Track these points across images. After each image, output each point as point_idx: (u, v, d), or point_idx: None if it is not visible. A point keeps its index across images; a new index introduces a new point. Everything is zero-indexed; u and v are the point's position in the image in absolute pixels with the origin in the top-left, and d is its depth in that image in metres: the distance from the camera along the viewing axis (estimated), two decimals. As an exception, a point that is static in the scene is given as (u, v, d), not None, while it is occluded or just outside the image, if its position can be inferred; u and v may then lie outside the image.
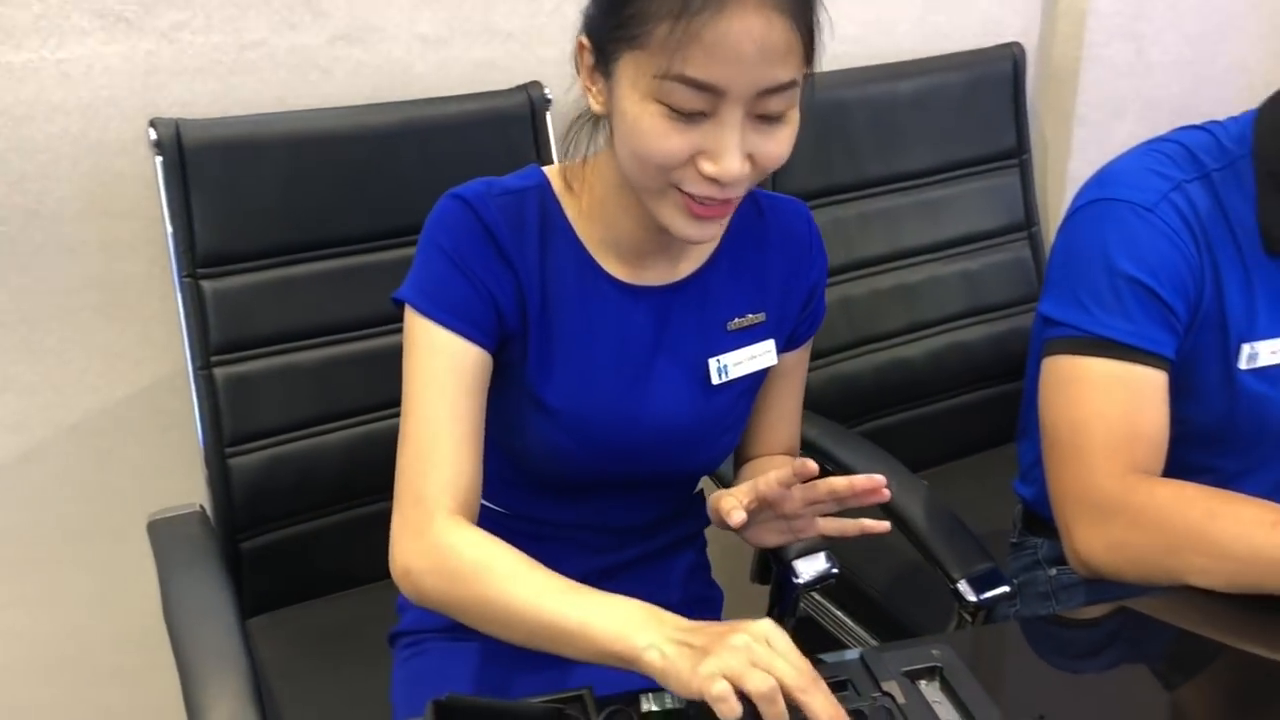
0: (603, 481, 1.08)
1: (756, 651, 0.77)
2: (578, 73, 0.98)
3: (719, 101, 0.87)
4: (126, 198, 1.42)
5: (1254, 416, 1.16)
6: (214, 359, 1.32)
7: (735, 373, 1.08)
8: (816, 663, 0.90)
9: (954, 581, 1.27)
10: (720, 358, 1.07)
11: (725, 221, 0.97)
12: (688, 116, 0.88)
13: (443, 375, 0.94)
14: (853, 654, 0.93)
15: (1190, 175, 1.14)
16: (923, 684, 0.90)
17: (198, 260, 1.31)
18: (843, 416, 1.63)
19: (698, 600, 1.21)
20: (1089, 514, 1.09)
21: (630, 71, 0.89)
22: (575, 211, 1.03)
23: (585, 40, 0.94)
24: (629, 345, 1.04)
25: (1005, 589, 1.26)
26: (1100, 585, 1.19)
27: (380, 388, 1.41)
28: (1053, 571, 1.35)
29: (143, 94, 1.39)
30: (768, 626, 0.79)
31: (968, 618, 1.25)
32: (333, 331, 1.39)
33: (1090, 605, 1.26)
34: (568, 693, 0.83)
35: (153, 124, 1.28)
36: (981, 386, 1.79)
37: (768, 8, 0.85)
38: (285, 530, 1.39)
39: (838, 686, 0.88)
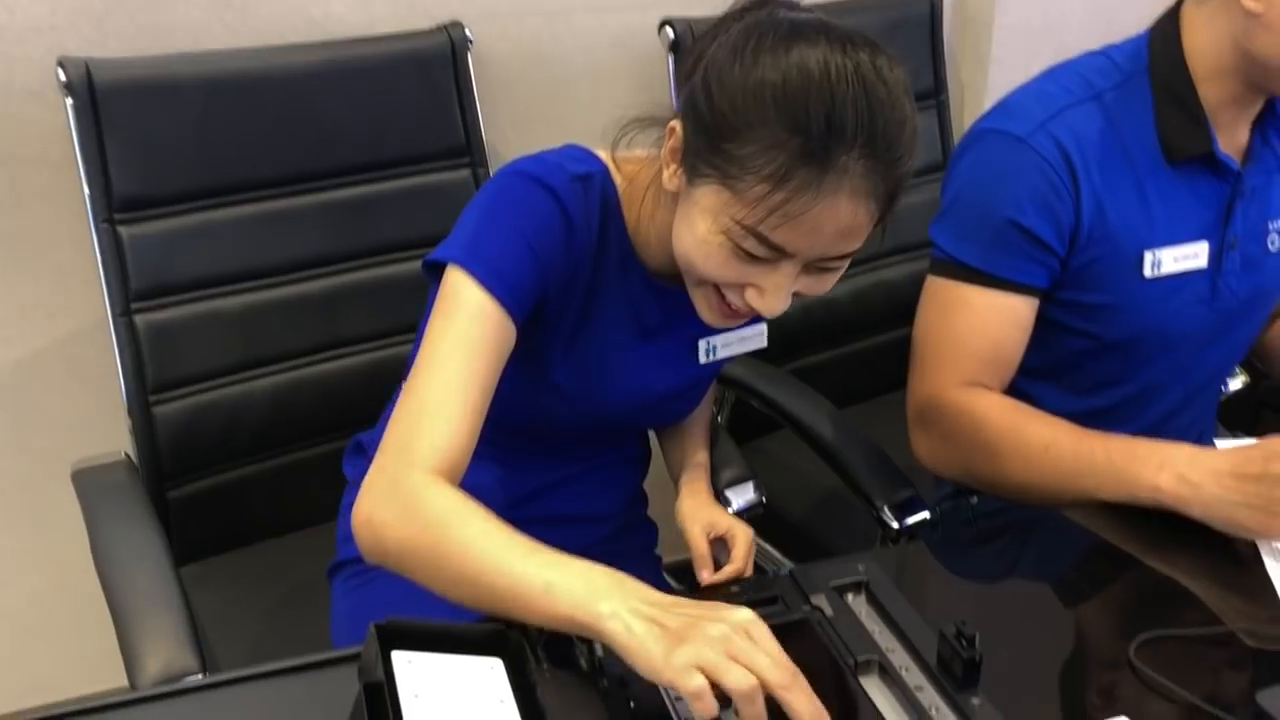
0: (575, 435, 1.13)
1: (735, 644, 0.74)
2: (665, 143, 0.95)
3: (781, 256, 0.90)
4: (37, 142, 1.40)
5: (1162, 323, 1.23)
6: (134, 306, 1.31)
7: (724, 353, 1.14)
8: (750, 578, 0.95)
9: (877, 509, 1.32)
10: (710, 339, 1.12)
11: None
12: (749, 258, 0.90)
13: (477, 342, 0.92)
14: (782, 570, 0.97)
15: (1077, 99, 1.19)
16: (850, 597, 0.95)
17: (114, 205, 1.30)
18: (771, 356, 1.67)
19: (636, 525, 1.27)
20: (920, 419, 1.24)
21: (711, 199, 0.89)
22: (628, 202, 1.03)
23: (678, 129, 0.92)
24: (640, 333, 1.08)
25: (925, 514, 1.31)
26: (1019, 510, 1.25)
27: (305, 333, 1.42)
28: (974, 499, 1.41)
29: (49, 34, 1.36)
30: (747, 616, 0.76)
31: (890, 544, 1.31)
32: (256, 277, 1.38)
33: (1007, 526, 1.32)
34: (508, 620, 0.85)
35: (61, 64, 1.26)
36: (905, 324, 1.82)
37: (860, 194, 0.86)
38: (213, 478, 1.39)
39: (768, 601, 0.93)
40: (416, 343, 1.17)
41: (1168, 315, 1.21)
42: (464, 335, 0.92)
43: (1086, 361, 1.26)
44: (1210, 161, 1.19)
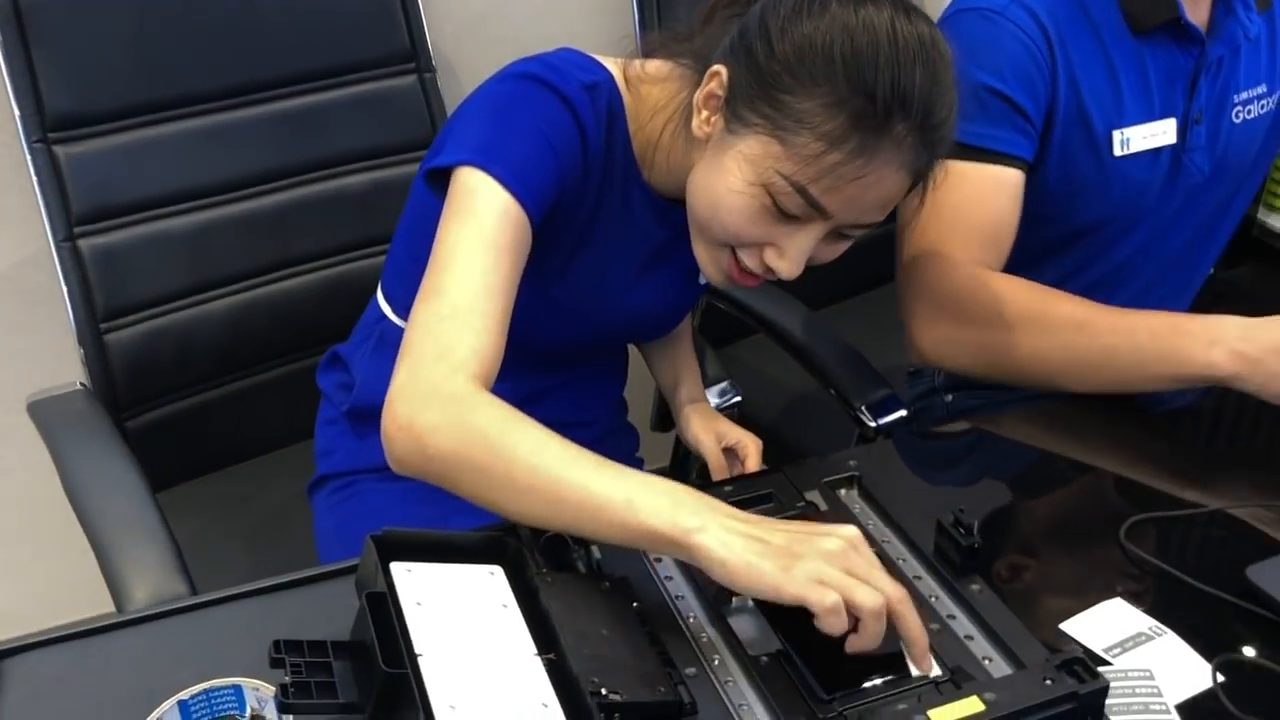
0: (566, 348, 1.13)
1: (853, 560, 0.74)
2: (693, 74, 0.95)
3: (817, 217, 0.90)
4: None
5: (1130, 203, 1.24)
6: (77, 230, 1.28)
7: None
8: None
9: (854, 409, 1.34)
10: None
11: None
12: (781, 215, 0.89)
13: (502, 245, 0.89)
14: (774, 468, 0.99)
15: None
16: (842, 492, 0.97)
17: (48, 124, 1.25)
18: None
19: (619, 429, 1.29)
20: (925, 305, 1.18)
21: (756, 149, 0.88)
22: (634, 119, 1.01)
23: (723, 74, 0.91)
24: (642, 252, 1.07)
25: (902, 413, 1.34)
26: (995, 406, 1.27)
27: (257, 252, 1.40)
28: (949, 398, 1.43)
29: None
30: (855, 533, 0.76)
31: (867, 443, 1.33)
32: (203, 195, 1.35)
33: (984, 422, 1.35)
34: (499, 527, 0.86)
35: (-19, -27, 1.21)
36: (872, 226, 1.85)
37: (906, 166, 0.88)
38: (171, 406, 1.37)
39: (762, 499, 0.94)
40: (391, 256, 1.16)
41: (1135, 194, 1.23)
42: (489, 237, 0.89)
43: (1057, 249, 1.28)
44: (1175, 31, 1.19)
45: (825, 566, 0.73)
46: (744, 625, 0.83)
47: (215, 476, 1.43)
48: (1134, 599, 0.89)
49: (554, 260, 1.03)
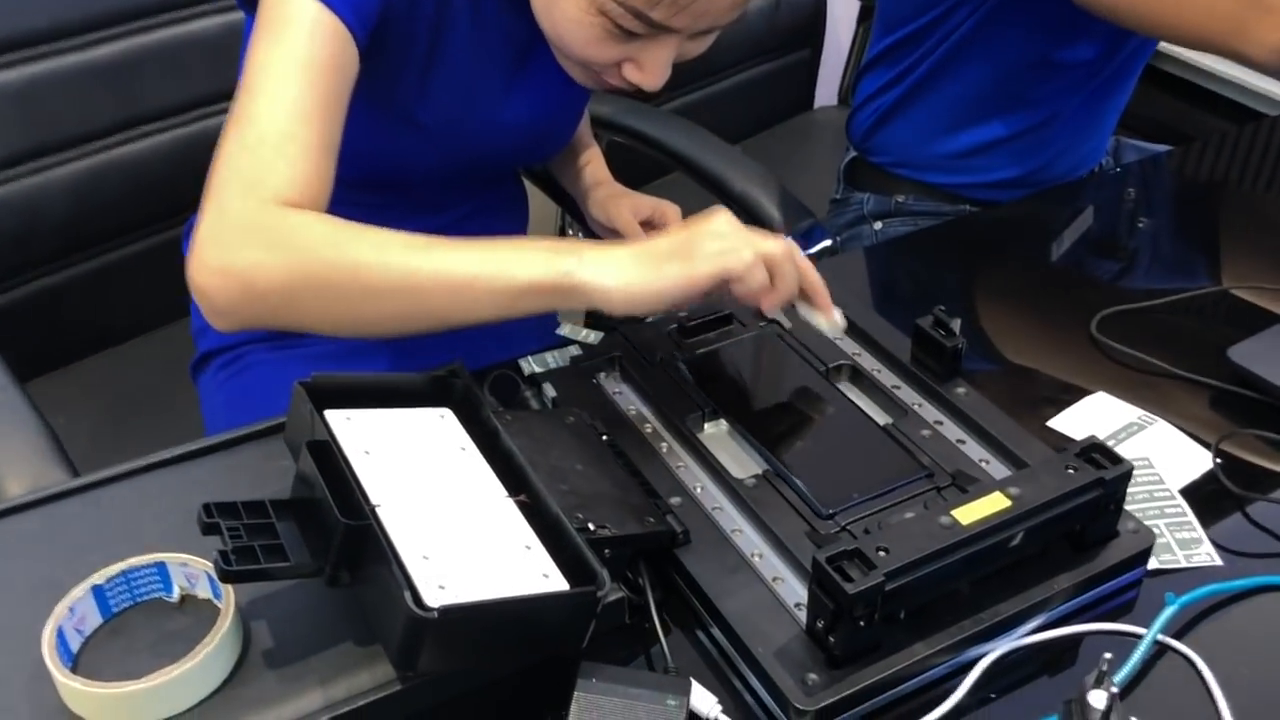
0: (446, 180, 1.04)
1: (742, 228, 0.77)
2: None
3: (666, 33, 0.83)
4: None
5: None
6: (-121, 88, 1.13)
7: None
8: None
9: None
10: None
11: None
12: (628, 35, 0.83)
13: (318, 63, 0.79)
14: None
15: None
16: (803, 308, 0.92)
17: None
18: (646, 94, 1.62)
19: None
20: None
21: None
22: None
23: None
24: (507, 55, 0.97)
25: (828, 242, 1.30)
26: (924, 233, 1.23)
27: (101, 109, 1.25)
28: (878, 225, 1.40)
29: None
30: (728, 213, 0.78)
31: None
32: (31, 43, 1.20)
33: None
34: (439, 369, 0.78)
35: None
36: (765, 59, 1.80)
37: None
38: (17, 290, 1.24)
39: (722, 321, 0.89)
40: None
41: None
42: (301, 55, 0.78)
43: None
44: None
45: (724, 241, 0.75)
46: (721, 451, 0.78)
47: (78, 366, 1.30)
48: (1117, 392, 0.87)
49: (408, 80, 0.93)
